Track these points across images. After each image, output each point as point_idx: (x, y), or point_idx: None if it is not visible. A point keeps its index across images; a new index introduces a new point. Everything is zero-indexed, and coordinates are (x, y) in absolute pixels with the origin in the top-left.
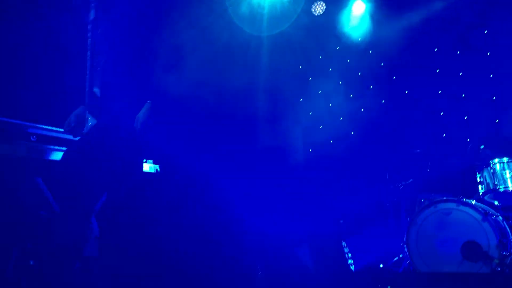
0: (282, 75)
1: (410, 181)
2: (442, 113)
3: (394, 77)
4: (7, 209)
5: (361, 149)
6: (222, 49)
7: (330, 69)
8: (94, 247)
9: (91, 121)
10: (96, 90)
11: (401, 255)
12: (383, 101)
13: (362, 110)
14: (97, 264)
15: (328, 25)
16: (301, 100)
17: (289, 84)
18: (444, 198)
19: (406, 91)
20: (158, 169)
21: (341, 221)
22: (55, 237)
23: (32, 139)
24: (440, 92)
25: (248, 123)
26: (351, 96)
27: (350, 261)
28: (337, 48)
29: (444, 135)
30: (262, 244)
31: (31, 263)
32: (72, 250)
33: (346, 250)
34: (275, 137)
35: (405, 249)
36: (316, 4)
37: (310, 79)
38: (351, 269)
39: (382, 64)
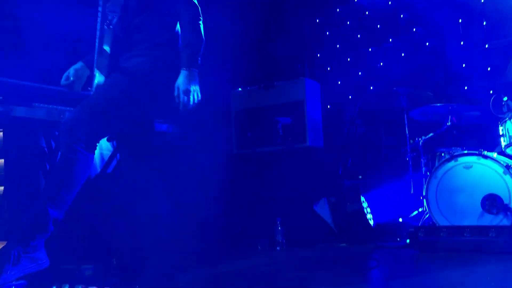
0: None
1: (430, 135)
2: (464, 65)
3: (414, 29)
4: None
5: (379, 103)
6: None
7: (348, 22)
8: None
9: (98, 77)
10: (106, 47)
11: (420, 209)
12: (403, 54)
13: (381, 64)
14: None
15: None
16: (318, 55)
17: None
18: (465, 151)
19: (427, 43)
20: (168, 129)
21: (360, 176)
22: None
23: (50, 101)
24: (462, 43)
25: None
26: (369, 49)
27: (369, 216)
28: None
29: (466, 87)
30: (281, 200)
31: None
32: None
33: (365, 205)
34: (294, 94)
35: (425, 203)
36: None
37: (327, 33)
38: (370, 224)
39: (402, 16)
